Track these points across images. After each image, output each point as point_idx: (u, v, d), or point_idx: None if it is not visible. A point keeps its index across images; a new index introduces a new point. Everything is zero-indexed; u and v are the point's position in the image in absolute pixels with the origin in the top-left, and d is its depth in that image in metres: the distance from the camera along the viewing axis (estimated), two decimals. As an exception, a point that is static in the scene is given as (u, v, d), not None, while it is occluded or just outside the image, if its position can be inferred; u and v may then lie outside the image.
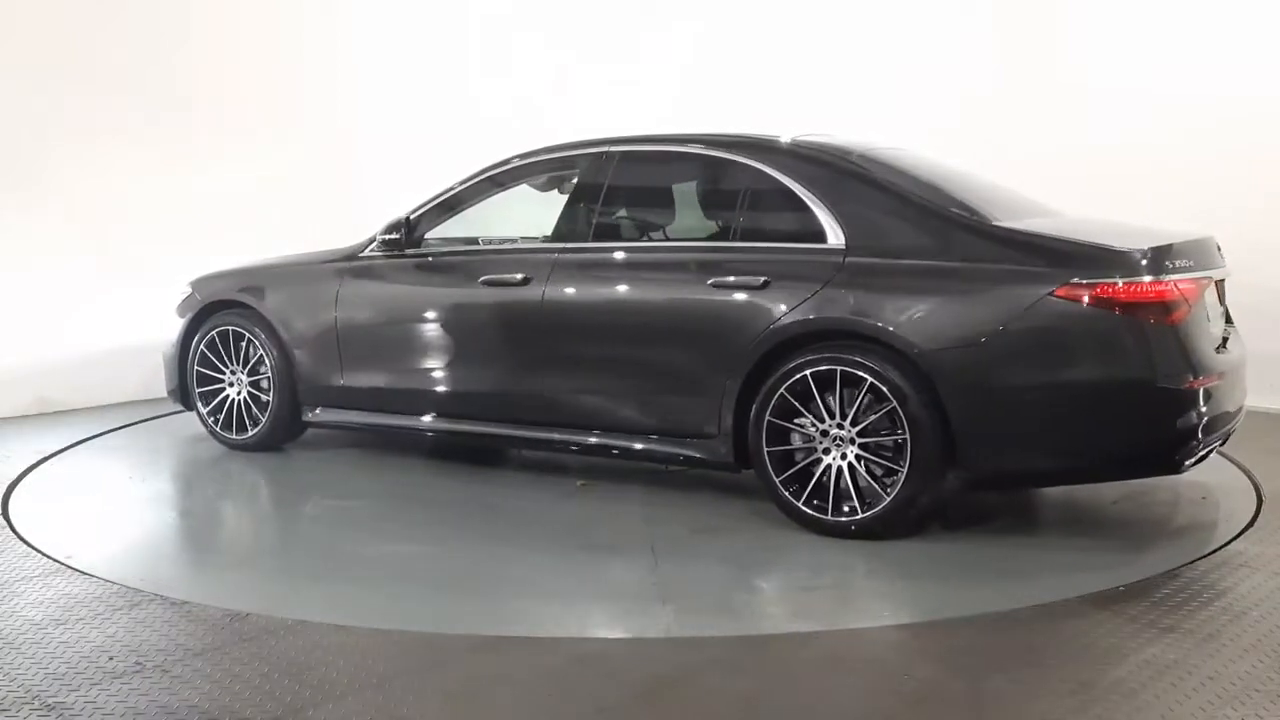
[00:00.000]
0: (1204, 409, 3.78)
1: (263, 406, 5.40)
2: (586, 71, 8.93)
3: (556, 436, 4.67)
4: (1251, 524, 4.14)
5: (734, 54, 8.64)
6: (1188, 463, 3.82)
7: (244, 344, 5.43)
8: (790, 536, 4.00)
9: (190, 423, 6.29)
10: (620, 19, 8.95)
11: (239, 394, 5.46)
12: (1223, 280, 4.32)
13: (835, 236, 4.11)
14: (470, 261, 4.95)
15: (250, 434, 5.43)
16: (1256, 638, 3.07)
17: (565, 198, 4.91)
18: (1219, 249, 4.27)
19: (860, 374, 3.89)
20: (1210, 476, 4.79)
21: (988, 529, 4.20)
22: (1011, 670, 2.88)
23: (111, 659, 2.97)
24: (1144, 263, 3.75)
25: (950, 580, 3.63)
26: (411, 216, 5.08)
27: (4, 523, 4.30)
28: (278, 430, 5.41)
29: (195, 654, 3.00)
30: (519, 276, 4.68)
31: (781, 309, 4.09)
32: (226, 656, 2.98)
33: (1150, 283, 3.72)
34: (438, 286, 4.99)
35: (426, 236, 5.12)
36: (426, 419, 5.00)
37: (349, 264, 5.24)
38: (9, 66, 6.33)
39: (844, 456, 3.96)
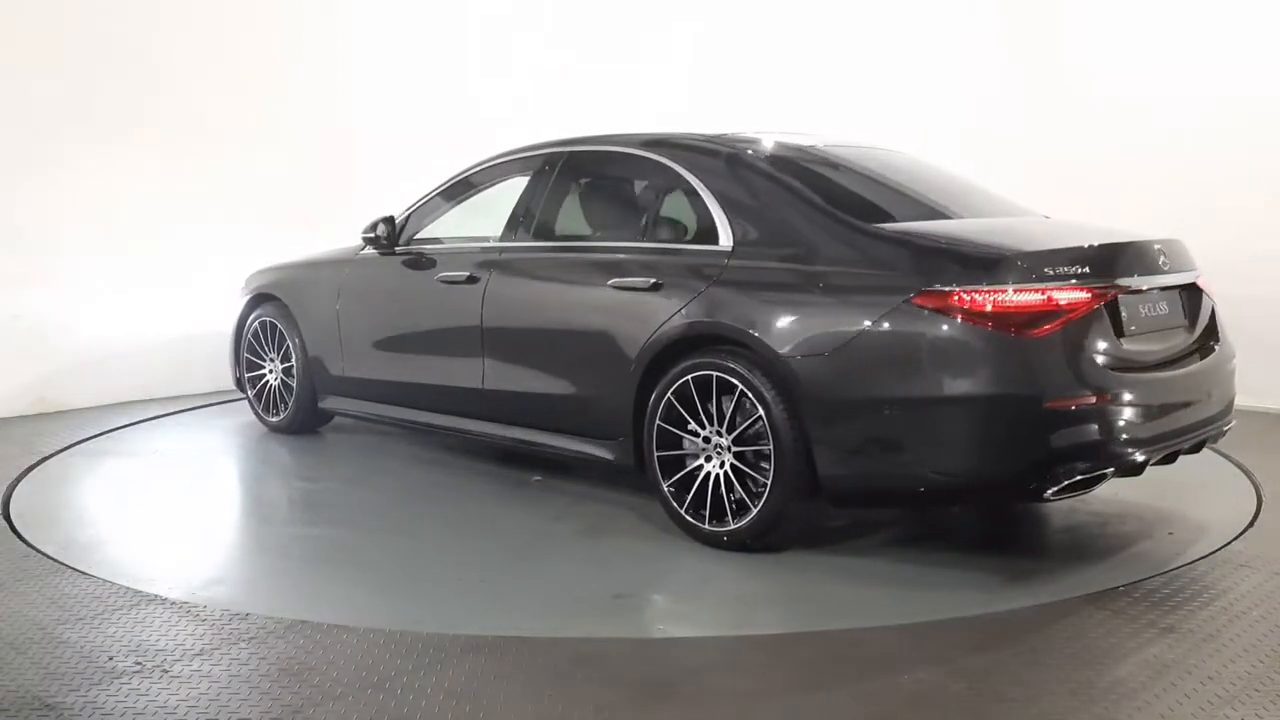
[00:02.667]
0: (1079, 432, 3.43)
1: (292, 392, 5.83)
2: (586, 71, 8.93)
3: (491, 431, 4.82)
4: (1251, 524, 4.14)
5: (734, 55, 8.65)
6: (1050, 492, 3.44)
7: (277, 334, 5.87)
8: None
9: (193, 421, 6.36)
10: (620, 19, 8.96)
11: (275, 380, 5.90)
12: (1190, 286, 4.02)
13: (726, 238, 4.03)
14: (437, 259, 5.10)
15: (281, 417, 5.88)
16: (1256, 638, 3.07)
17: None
18: (1163, 255, 3.84)
19: (733, 380, 3.80)
20: (1210, 477, 4.80)
21: (981, 533, 4.20)
22: (1011, 670, 2.88)
23: (111, 659, 2.97)
24: (1008, 269, 3.46)
25: (946, 584, 3.63)
26: (398, 217, 5.33)
27: (4, 523, 4.30)
28: (301, 414, 5.81)
29: (195, 654, 3.00)
30: (465, 274, 4.85)
31: (669, 311, 4.03)
32: (226, 656, 2.98)
33: (1008, 290, 3.41)
34: (408, 284, 5.20)
35: (416, 235, 5.34)
36: (395, 409, 5.31)
37: (350, 261, 5.56)
38: (13, 66, 6.34)
39: (722, 465, 3.87)
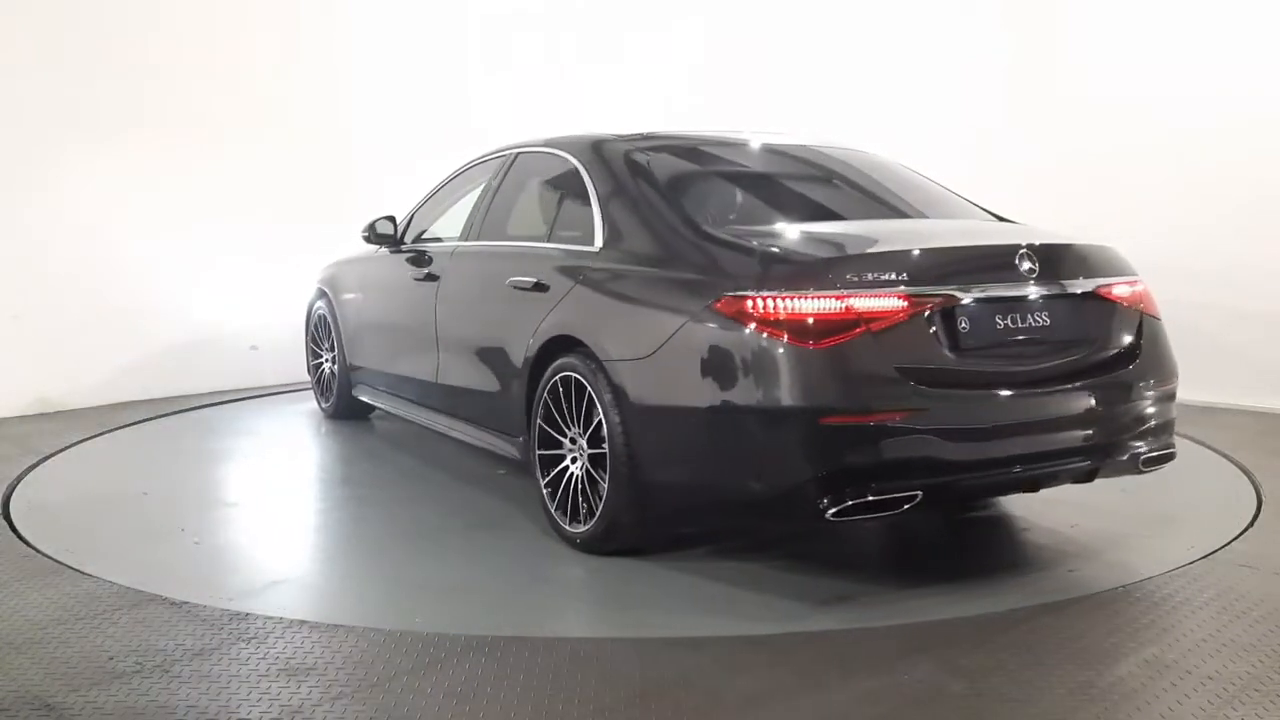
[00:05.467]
0: (868, 451, 3.20)
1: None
2: (586, 71, 8.94)
3: (443, 424, 5.01)
4: (1251, 524, 4.14)
5: (734, 55, 8.66)
6: (832, 513, 3.18)
7: (326, 326, 6.30)
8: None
9: (190, 422, 6.35)
10: (620, 19, 8.96)
11: (328, 369, 6.34)
12: (1093, 296, 3.61)
13: (599, 238, 4.00)
14: (424, 258, 5.24)
15: (329, 403, 6.36)
16: (1256, 638, 3.07)
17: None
18: (1030, 261, 3.45)
19: (585, 382, 3.76)
20: (1210, 476, 4.80)
21: (973, 534, 4.20)
22: (1012, 670, 2.87)
23: (111, 659, 2.97)
24: (807, 274, 3.28)
25: (949, 582, 3.63)
26: (400, 216, 5.57)
27: (4, 523, 4.30)
28: (342, 402, 6.20)
29: (195, 654, 3.00)
30: (425, 272, 5.08)
31: (545, 310, 4.04)
32: (226, 656, 2.98)
33: (801, 297, 3.21)
34: (400, 281, 5.39)
35: (419, 234, 5.53)
36: (390, 400, 5.63)
37: (369, 259, 5.87)
38: (11, 65, 6.34)
39: (582, 466, 3.82)
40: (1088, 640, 3.07)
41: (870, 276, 3.27)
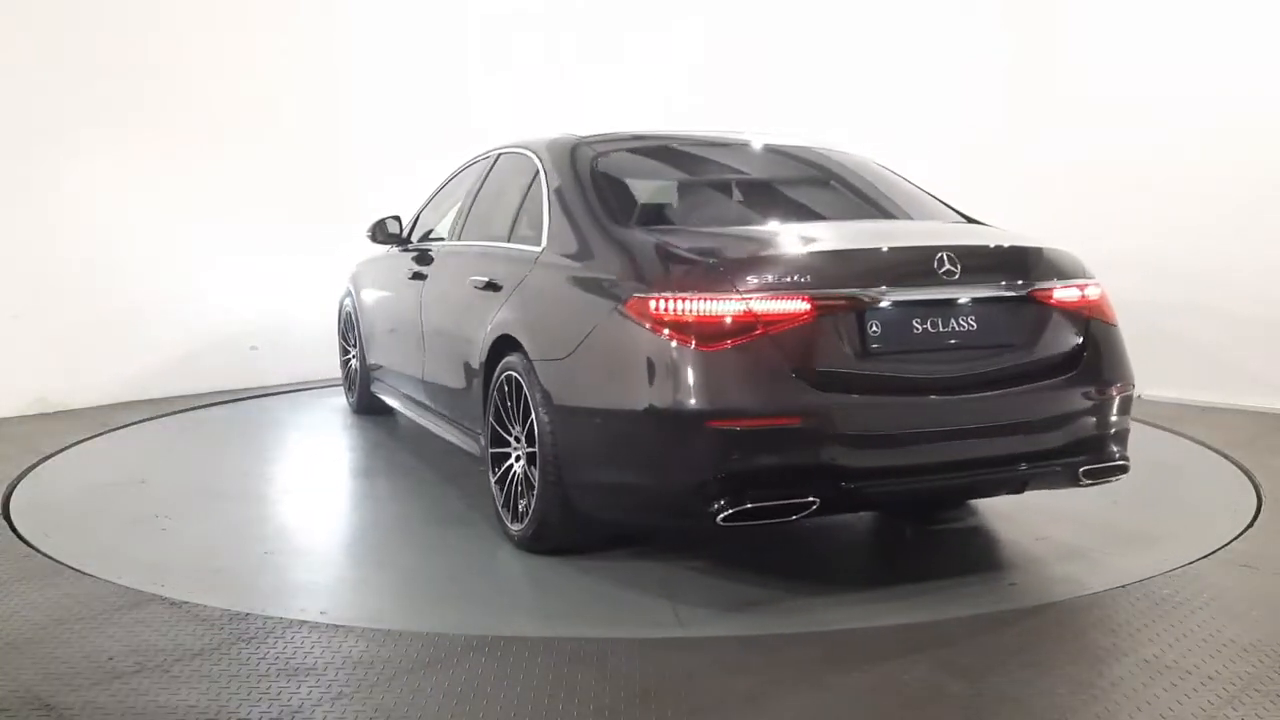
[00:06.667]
0: (757, 456, 3.15)
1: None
2: (586, 71, 8.94)
3: (427, 420, 5.08)
4: (1251, 524, 4.14)
5: (734, 56, 8.67)
6: (721, 517, 3.12)
7: (352, 323, 6.47)
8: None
9: (191, 422, 6.34)
10: (620, 19, 8.97)
11: (355, 365, 6.48)
12: (1028, 300, 3.47)
13: (545, 238, 4.00)
14: (423, 257, 5.28)
15: (354, 398, 6.53)
16: (1256, 638, 3.07)
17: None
18: (949, 264, 3.33)
19: (522, 381, 3.76)
20: (1210, 477, 4.80)
21: (968, 534, 4.20)
22: (1011, 670, 2.87)
23: (111, 659, 2.97)
24: (707, 276, 3.24)
25: (954, 579, 3.63)
26: (407, 216, 5.66)
27: (4, 523, 4.30)
28: (364, 397, 6.33)
29: (195, 654, 3.00)
30: (414, 271, 5.17)
31: (495, 310, 4.06)
32: (226, 656, 2.98)
33: (701, 298, 3.18)
34: (400, 280, 5.45)
35: (426, 233, 5.57)
36: (393, 397, 5.73)
37: (382, 258, 5.97)
38: (14, 65, 6.34)
39: (523, 466, 3.81)
40: (1087, 640, 3.07)
41: (774, 279, 3.22)
